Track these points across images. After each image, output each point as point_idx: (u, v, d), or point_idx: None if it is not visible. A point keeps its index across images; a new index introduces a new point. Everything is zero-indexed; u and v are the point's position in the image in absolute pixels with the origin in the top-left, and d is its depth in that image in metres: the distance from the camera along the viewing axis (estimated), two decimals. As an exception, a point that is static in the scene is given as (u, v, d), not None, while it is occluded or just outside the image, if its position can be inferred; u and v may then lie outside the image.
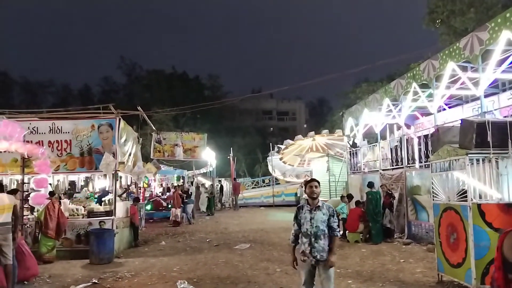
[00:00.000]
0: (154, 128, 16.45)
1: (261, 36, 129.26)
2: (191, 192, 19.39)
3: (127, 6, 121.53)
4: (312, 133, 21.50)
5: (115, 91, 50.50)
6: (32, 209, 9.77)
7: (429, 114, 12.87)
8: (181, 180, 24.10)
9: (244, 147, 40.33)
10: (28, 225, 9.31)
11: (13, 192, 7.60)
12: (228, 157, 30.25)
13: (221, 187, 26.30)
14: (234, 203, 24.69)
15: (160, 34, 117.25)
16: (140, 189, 15.06)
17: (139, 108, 12.57)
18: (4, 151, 8.99)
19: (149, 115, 14.63)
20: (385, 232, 10.86)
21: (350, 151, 16.11)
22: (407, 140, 11.70)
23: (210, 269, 8.07)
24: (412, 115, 14.02)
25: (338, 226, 4.58)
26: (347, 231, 11.27)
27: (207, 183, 26.67)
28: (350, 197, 12.42)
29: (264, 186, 29.41)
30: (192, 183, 23.54)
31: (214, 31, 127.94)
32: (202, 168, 26.32)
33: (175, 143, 16.78)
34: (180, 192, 17.32)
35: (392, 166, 12.55)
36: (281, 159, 25.01)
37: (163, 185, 24.97)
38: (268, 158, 27.39)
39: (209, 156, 22.52)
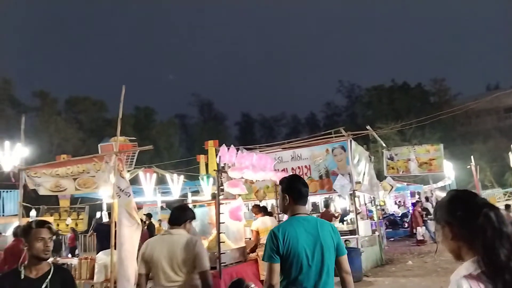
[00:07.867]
0: (384, 145, 16.25)
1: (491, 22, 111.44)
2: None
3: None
4: None
5: (338, 114, 53.28)
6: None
7: None
8: (417, 196, 22.73)
9: (487, 154, 34.67)
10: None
11: (270, 214, 8.86)
12: (468, 166, 26.75)
13: None
14: None
15: (373, 49, 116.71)
16: (377, 207, 14.89)
17: (368, 127, 12.75)
18: (260, 180, 10.62)
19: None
20: None
21: None
22: None
23: (471, 294, 7.19)
24: None
25: None
26: None
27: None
28: None
29: (523, 197, 24.54)
30: (426, 198, 21.89)
31: (432, 31, 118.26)
32: (440, 181, 24.12)
33: (408, 158, 16.06)
34: (419, 209, 16.30)
35: None
36: None
37: (397, 203, 24.07)
38: None
39: (446, 167, 20.51)
